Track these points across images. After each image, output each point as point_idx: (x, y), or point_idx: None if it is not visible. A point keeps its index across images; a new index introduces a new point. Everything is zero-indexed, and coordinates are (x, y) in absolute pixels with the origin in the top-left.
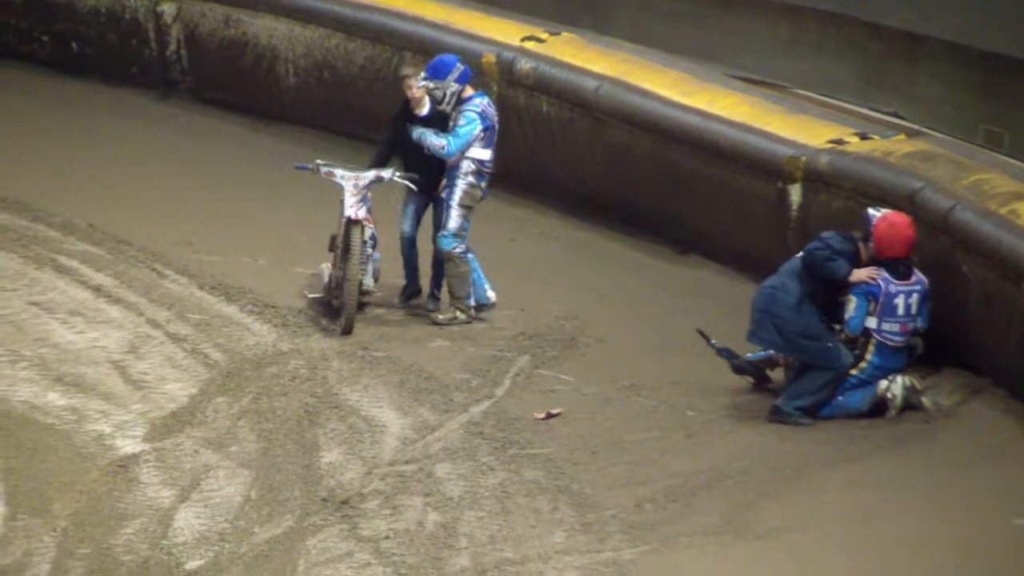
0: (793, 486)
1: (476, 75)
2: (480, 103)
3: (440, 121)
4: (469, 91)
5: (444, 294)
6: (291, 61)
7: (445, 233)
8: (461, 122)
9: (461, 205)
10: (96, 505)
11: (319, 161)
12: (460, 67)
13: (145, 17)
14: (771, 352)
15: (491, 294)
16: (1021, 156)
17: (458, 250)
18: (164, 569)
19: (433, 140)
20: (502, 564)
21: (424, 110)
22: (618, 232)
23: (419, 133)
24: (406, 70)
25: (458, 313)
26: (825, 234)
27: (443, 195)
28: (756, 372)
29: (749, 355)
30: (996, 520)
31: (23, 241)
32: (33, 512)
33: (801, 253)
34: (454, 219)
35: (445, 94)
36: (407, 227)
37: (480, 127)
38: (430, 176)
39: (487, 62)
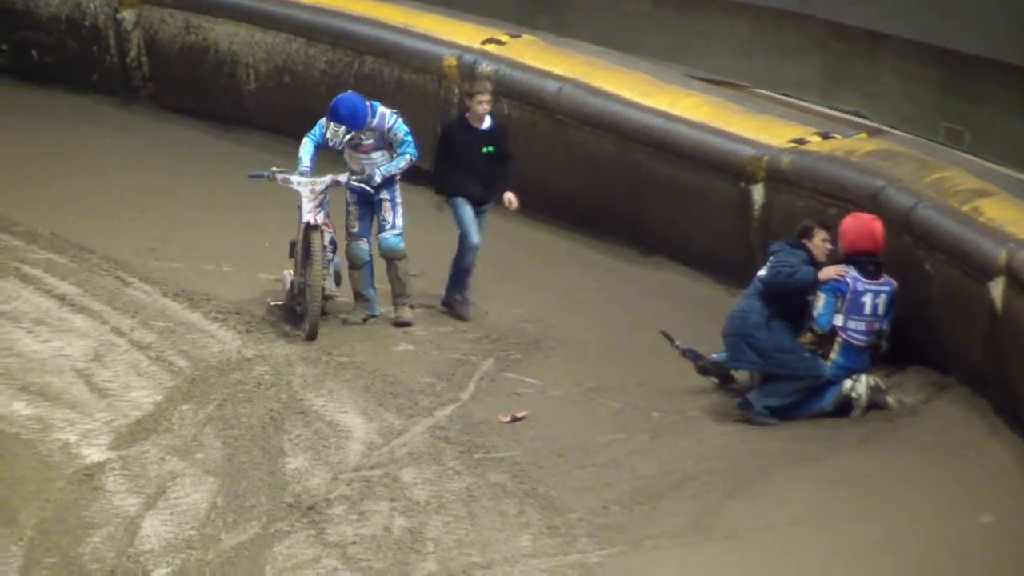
0: (759, 486)
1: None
2: (391, 112)
3: (500, 134)
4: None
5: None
6: (252, 66)
7: (397, 232)
8: (401, 134)
9: (403, 203)
10: (62, 514)
11: (275, 168)
12: (370, 113)
13: (105, 24)
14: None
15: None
16: (982, 154)
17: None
18: None
19: (400, 165)
20: (469, 568)
21: (486, 124)
22: (581, 234)
23: (381, 173)
24: (479, 85)
25: (411, 309)
26: (775, 252)
27: (383, 195)
28: (721, 373)
29: (714, 356)
30: (962, 518)
31: None
32: None
33: (761, 273)
34: (401, 216)
35: (382, 133)
36: (476, 237)
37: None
38: (485, 188)
39: (448, 65)
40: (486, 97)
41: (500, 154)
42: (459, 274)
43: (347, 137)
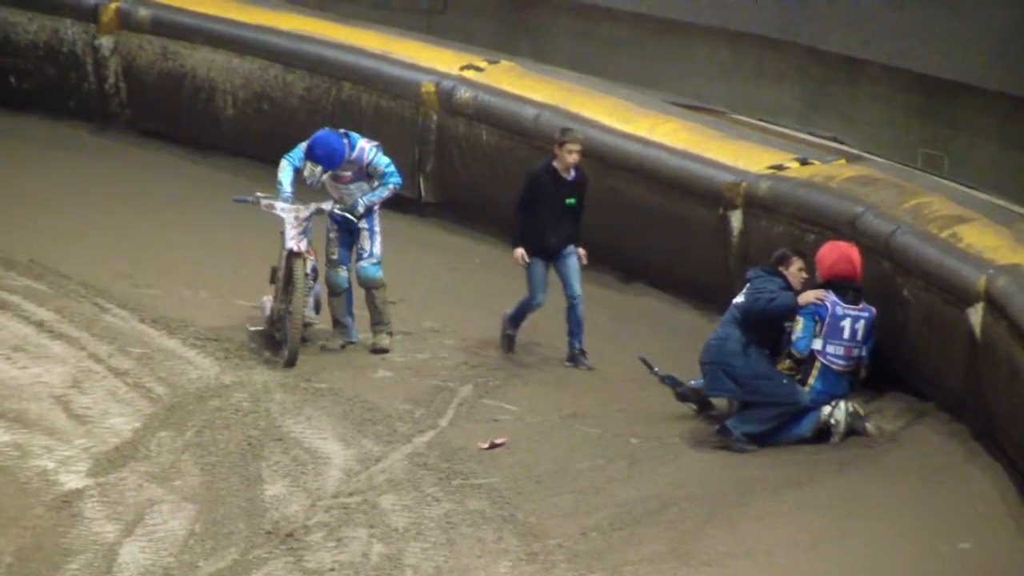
0: (738, 512)
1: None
2: (371, 145)
3: (583, 186)
4: (356, 149)
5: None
6: (230, 92)
7: (375, 261)
8: (381, 167)
9: (381, 232)
10: (40, 541)
11: (259, 194)
12: (345, 140)
13: (83, 51)
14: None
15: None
16: (961, 179)
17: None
18: None
19: (383, 194)
20: None
21: (572, 174)
22: None
23: (364, 202)
24: (571, 135)
25: (389, 336)
26: (752, 280)
27: (362, 224)
28: (699, 399)
29: (692, 382)
30: (942, 544)
31: None
32: None
33: (738, 300)
34: (379, 245)
35: (360, 167)
36: (542, 297)
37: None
38: (561, 240)
39: (426, 92)
40: (577, 147)
41: (580, 206)
42: (512, 318)
43: (323, 176)
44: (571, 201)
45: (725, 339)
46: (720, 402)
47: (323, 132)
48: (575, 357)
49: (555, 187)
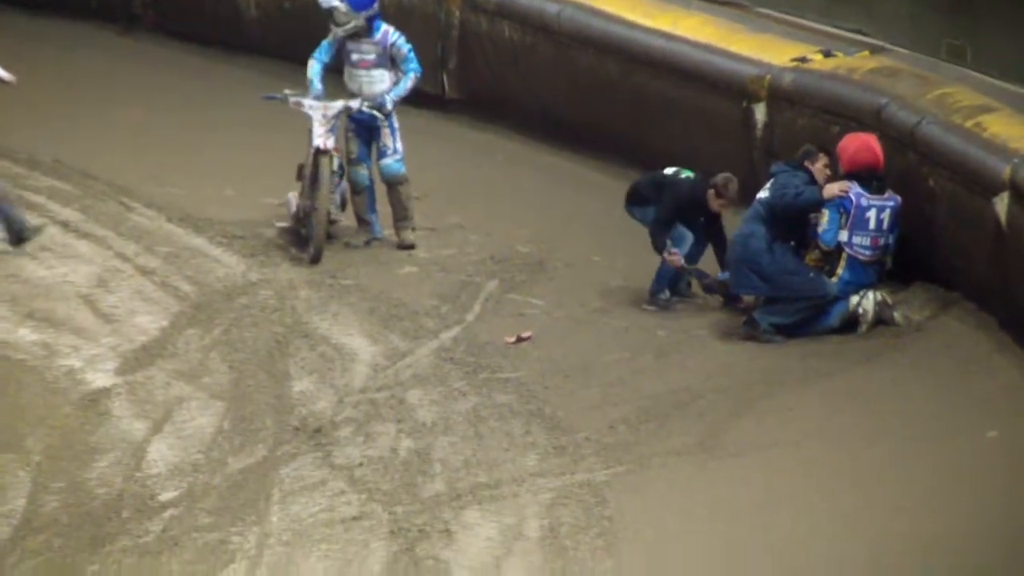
0: (766, 404)
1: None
2: (394, 29)
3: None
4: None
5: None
6: None
7: (398, 157)
8: (404, 51)
9: (400, 128)
10: (69, 439)
11: (287, 91)
12: (375, 8)
13: None
14: None
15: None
16: (984, 69)
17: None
18: (138, 501)
19: (408, 85)
20: (476, 488)
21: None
22: (584, 156)
23: (391, 99)
24: (731, 189)
25: (413, 232)
26: (776, 175)
27: (382, 123)
28: (726, 291)
29: (720, 275)
30: (969, 434)
31: None
32: (6, 448)
33: (762, 195)
34: (400, 140)
35: (349, 23)
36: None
37: None
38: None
39: None
40: (729, 207)
41: (716, 233)
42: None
43: (342, 13)
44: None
45: (750, 236)
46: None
47: None
48: (682, 291)
49: (698, 216)
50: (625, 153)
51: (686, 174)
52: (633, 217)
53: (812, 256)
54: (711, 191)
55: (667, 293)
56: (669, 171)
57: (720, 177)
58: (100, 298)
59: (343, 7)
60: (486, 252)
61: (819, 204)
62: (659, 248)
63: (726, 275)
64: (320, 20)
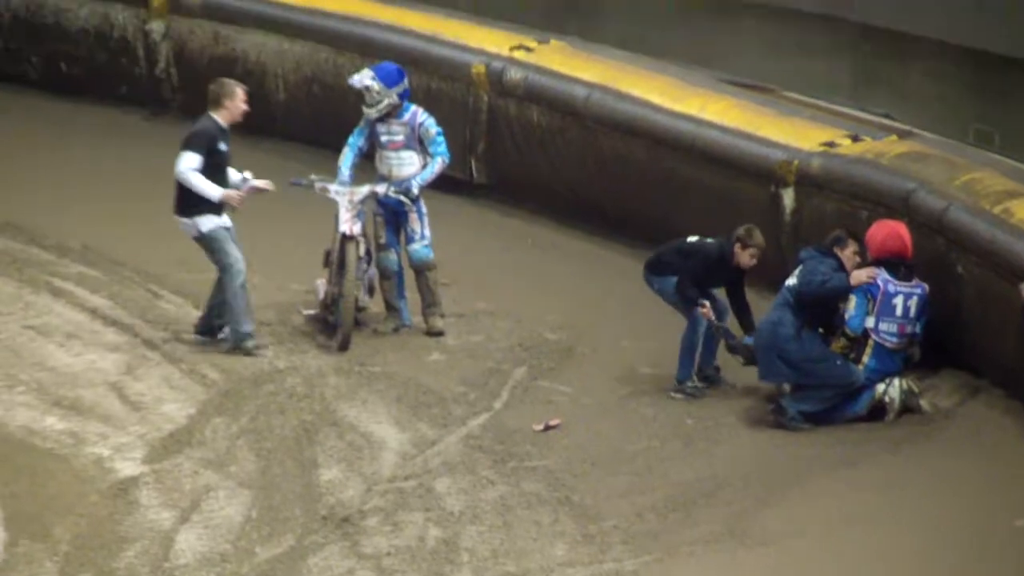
0: (793, 492)
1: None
2: (423, 110)
3: (737, 273)
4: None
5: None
6: (281, 76)
7: (426, 243)
8: (433, 132)
9: (427, 213)
10: (97, 528)
11: (314, 176)
12: (406, 83)
13: (134, 35)
14: None
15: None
16: (1012, 154)
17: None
18: None
19: (435, 170)
20: None
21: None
22: (612, 240)
23: (418, 183)
24: (755, 242)
25: (442, 318)
26: (805, 261)
27: (409, 208)
28: (749, 354)
29: (746, 339)
30: (998, 522)
31: (17, 264)
32: (34, 537)
33: (790, 282)
34: (428, 226)
35: (383, 102)
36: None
37: None
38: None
39: (477, 72)
40: (759, 256)
41: (737, 291)
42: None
43: (372, 83)
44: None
45: (778, 323)
46: None
47: None
48: (709, 376)
49: (728, 276)
50: (653, 238)
51: (709, 240)
52: (651, 287)
53: (839, 344)
54: (736, 245)
55: (694, 380)
56: (692, 239)
57: (741, 229)
58: (128, 386)
59: (376, 85)
60: (514, 338)
61: (847, 291)
62: (691, 300)
63: (750, 339)
64: (347, 104)
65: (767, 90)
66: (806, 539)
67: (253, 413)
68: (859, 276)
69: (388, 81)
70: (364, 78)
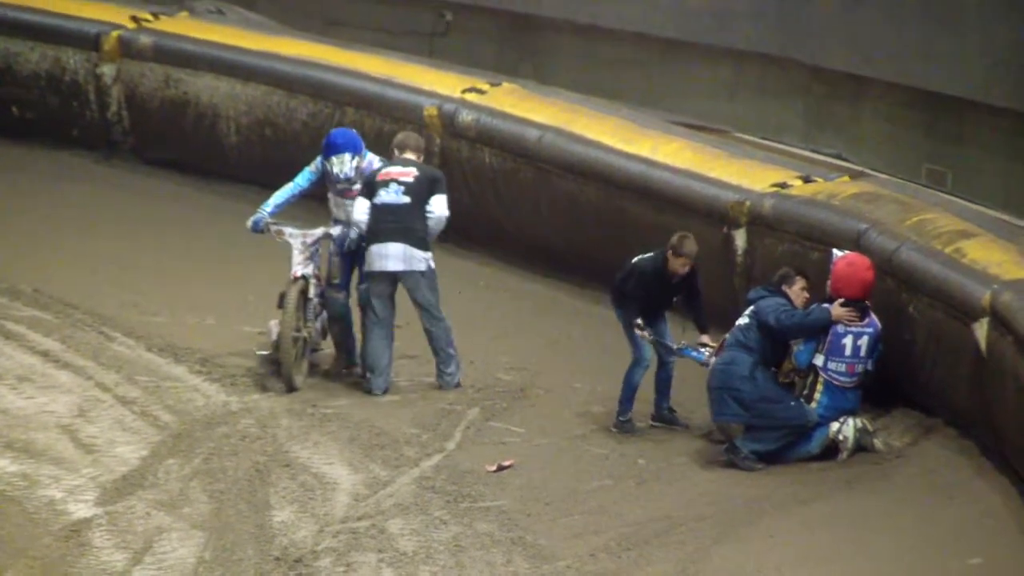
0: (747, 531)
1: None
2: (379, 159)
3: (692, 276)
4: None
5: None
6: (233, 119)
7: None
8: None
9: None
10: (49, 571)
11: (268, 220)
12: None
13: (85, 79)
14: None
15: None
16: (964, 194)
17: None
18: None
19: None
20: None
21: (677, 279)
22: (564, 282)
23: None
24: (687, 250)
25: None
26: (755, 300)
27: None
28: (670, 420)
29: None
30: (952, 560)
31: None
32: None
33: (741, 321)
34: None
35: (370, 164)
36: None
37: None
38: (665, 319)
39: (429, 115)
40: (690, 263)
41: (690, 293)
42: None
43: (354, 163)
44: (676, 295)
45: (731, 363)
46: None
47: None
48: (664, 417)
49: (665, 286)
50: (605, 279)
51: (648, 255)
52: (619, 320)
53: (788, 364)
54: (669, 252)
55: (629, 416)
56: (634, 259)
57: (674, 237)
58: (80, 428)
59: (356, 162)
60: (467, 380)
61: (827, 324)
62: (628, 322)
63: (700, 354)
64: (299, 146)
65: (719, 131)
66: None
67: (206, 455)
68: (839, 313)
69: (358, 147)
70: (345, 167)
